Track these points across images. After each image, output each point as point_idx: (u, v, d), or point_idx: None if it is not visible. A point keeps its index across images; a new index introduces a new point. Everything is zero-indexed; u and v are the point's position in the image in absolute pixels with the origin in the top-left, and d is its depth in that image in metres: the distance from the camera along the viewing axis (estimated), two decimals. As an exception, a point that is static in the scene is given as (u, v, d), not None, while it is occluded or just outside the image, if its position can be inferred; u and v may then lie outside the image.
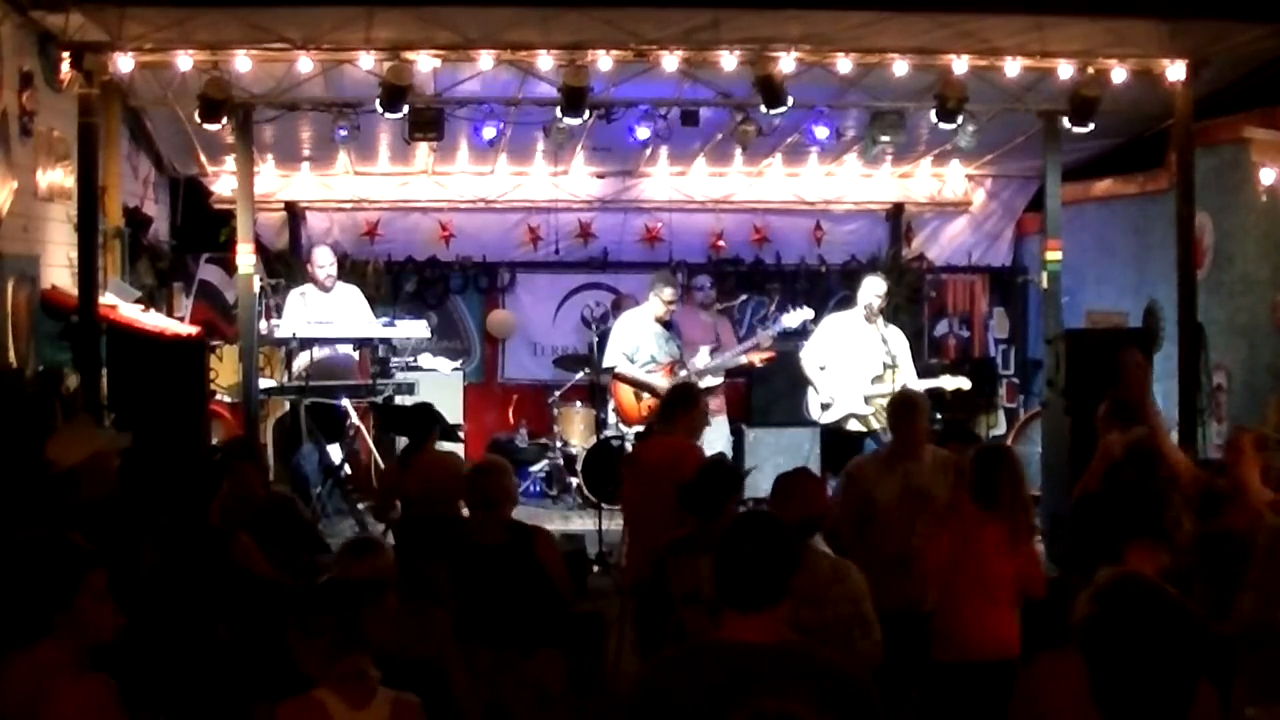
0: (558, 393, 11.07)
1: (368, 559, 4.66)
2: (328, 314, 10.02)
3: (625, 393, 10.20)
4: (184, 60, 8.16)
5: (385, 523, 7.55)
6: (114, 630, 3.46)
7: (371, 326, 10.13)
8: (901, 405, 6.61)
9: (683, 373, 9.97)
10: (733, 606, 3.20)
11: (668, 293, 10.09)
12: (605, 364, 10.28)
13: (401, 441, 9.71)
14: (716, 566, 3.24)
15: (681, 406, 6.83)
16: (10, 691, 3.30)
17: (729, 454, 10.23)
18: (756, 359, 10.13)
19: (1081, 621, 2.60)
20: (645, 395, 10.10)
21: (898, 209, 12.32)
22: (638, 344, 10.10)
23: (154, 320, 8.84)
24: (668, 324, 10.21)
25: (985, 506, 5.36)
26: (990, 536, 5.30)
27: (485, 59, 8.34)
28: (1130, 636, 2.51)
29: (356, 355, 10.21)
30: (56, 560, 3.40)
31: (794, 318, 10.10)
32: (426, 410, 7.55)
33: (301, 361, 9.90)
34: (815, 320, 10.14)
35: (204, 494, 5.88)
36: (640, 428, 10.02)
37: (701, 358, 10.08)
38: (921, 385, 9.51)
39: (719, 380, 10.18)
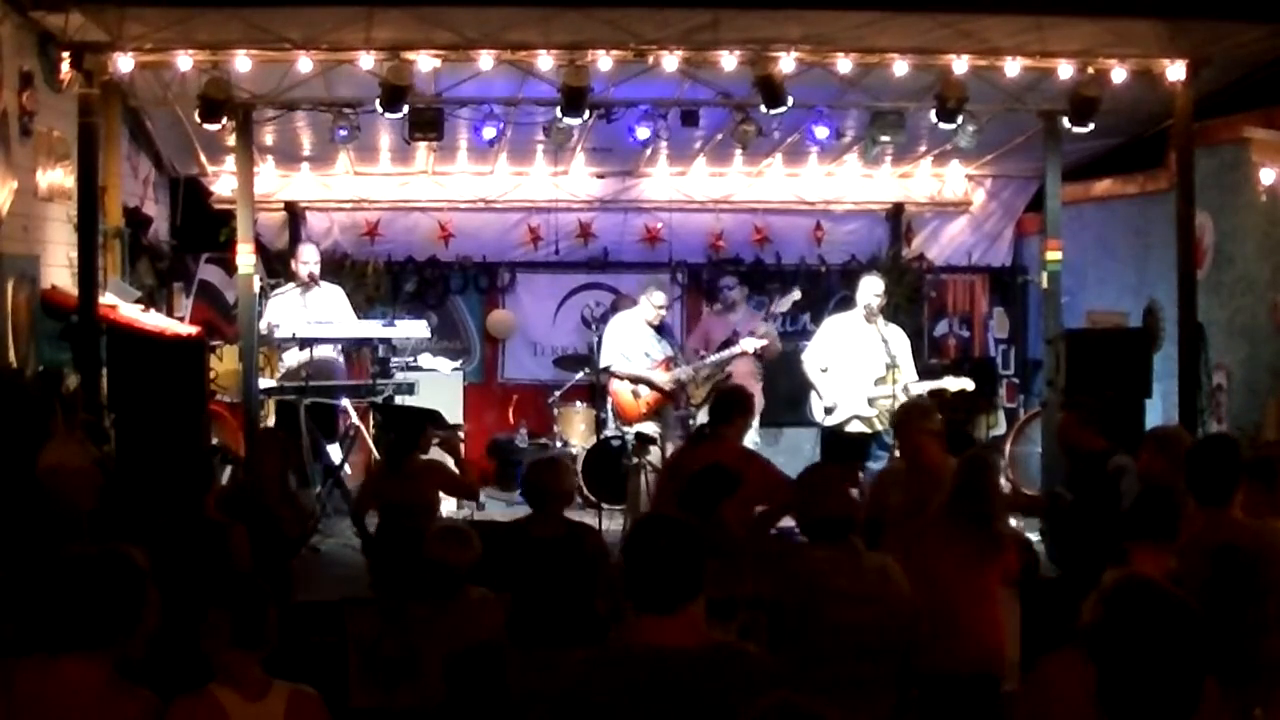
0: (558, 393, 11.05)
1: (464, 548, 4.80)
2: (317, 313, 10.04)
3: (623, 392, 10.21)
4: (184, 60, 8.16)
5: (360, 526, 7.33)
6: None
7: (370, 326, 10.14)
8: (895, 415, 6.58)
9: (677, 370, 10.00)
10: (648, 609, 3.17)
11: (659, 297, 10.16)
12: (601, 365, 10.31)
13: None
14: (627, 571, 3.22)
15: (739, 411, 6.83)
16: (54, 699, 3.32)
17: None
18: (750, 348, 10.09)
19: (1089, 624, 2.58)
20: (644, 393, 10.12)
21: (898, 209, 12.32)
22: (630, 343, 10.13)
23: (154, 320, 8.84)
24: (659, 327, 10.24)
25: (967, 517, 5.33)
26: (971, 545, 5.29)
27: (485, 59, 8.33)
28: (1139, 639, 2.50)
29: (342, 357, 10.25)
30: (129, 576, 3.43)
31: (784, 302, 10.11)
32: (416, 415, 7.53)
33: (292, 360, 9.90)
34: (811, 313, 10.15)
35: (199, 489, 5.91)
36: (640, 426, 10.05)
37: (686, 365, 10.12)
38: (924, 386, 9.54)
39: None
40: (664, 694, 3.09)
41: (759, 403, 10.00)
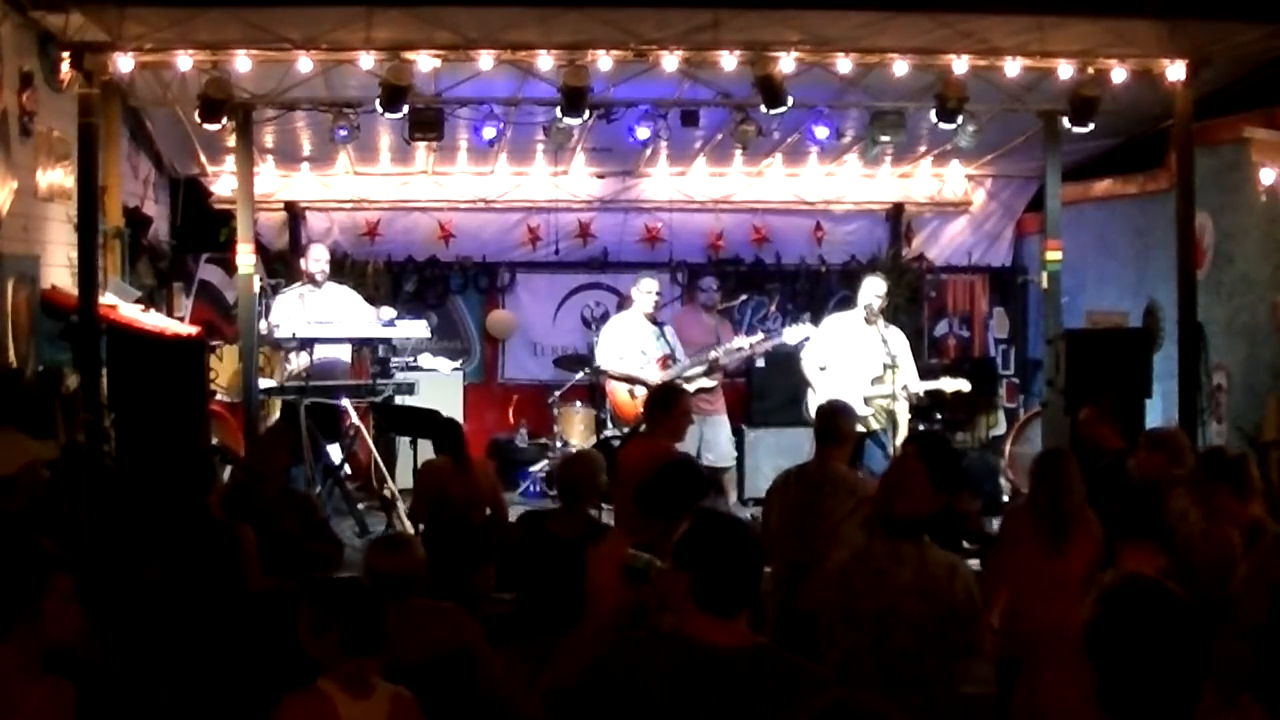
0: (558, 393, 11.06)
1: (400, 555, 4.70)
2: (324, 314, 10.04)
3: (620, 391, 10.21)
4: (184, 60, 8.16)
5: (418, 523, 7.53)
6: (76, 634, 3.49)
7: (372, 326, 10.14)
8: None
9: (670, 369, 10.02)
10: (715, 611, 3.17)
11: (649, 284, 10.18)
12: (594, 364, 10.34)
13: (401, 442, 9.77)
14: (697, 572, 3.19)
15: (661, 409, 6.82)
16: None
17: (734, 453, 10.23)
18: (757, 341, 10.11)
19: (1087, 623, 2.58)
20: (640, 393, 10.12)
21: (898, 209, 12.32)
22: (627, 343, 10.14)
23: (154, 320, 8.84)
24: (658, 322, 10.26)
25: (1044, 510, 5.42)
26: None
27: (485, 59, 8.32)
28: (1138, 638, 2.50)
29: (348, 359, 10.27)
30: (21, 562, 3.44)
31: (794, 334, 10.07)
32: (433, 419, 7.66)
33: (296, 364, 9.89)
34: (811, 313, 10.17)
35: (202, 489, 5.90)
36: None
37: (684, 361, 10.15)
38: (921, 387, 9.54)
39: (714, 381, 10.19)
40: (708, 688, 3.10)
41: (719, 402, 10.16)
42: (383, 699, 3.64)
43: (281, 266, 11.15)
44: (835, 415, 6.56)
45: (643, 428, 7.20)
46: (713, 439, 10.02)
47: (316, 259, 10.31)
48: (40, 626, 3.39)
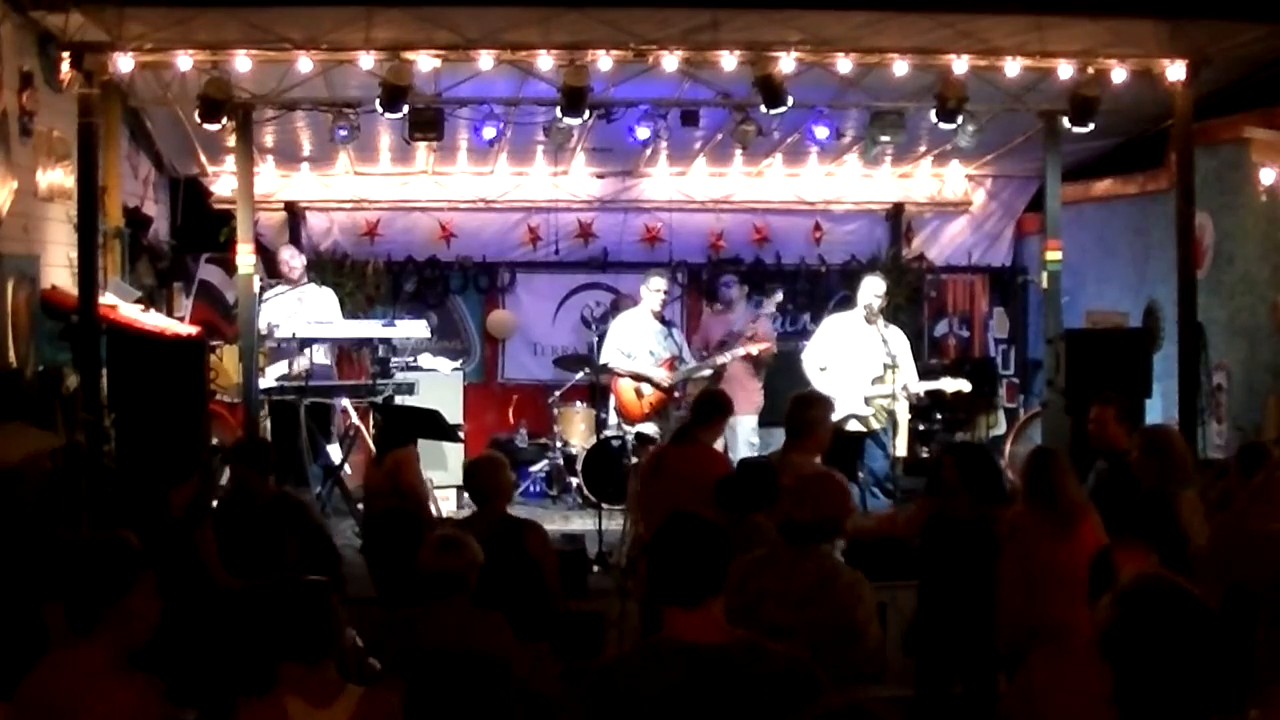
0: (558, 393, 11.06)
1: (453, 555, 4.73)
2: (313, 312, 10.06)
3: (626, 391, 10.21)
4: (184, 60, 8.16)
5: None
6: (152, 631, 3.51)
7: (370, 326, 10.15)
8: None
9: (679, 370, 10.01)
10: (674, 602, 3.23)
11: (657, 282, 10.19)
12: (600, 361, 10.33)
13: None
14: (653, 566, 3.28)
15: (718, 414, 6.81)
16: (54, 689, 3.35)
17: (757, 451, 10.25)
18: (754, 350, 10.11)
19: (1104, 625, 2.57)
20: (647, 392, 10.12)
21: (898, 209, 12.32)
22: (635, 341, 10.13)
23: (154, 320, 8.84)
24: (665, 321, 10.25)
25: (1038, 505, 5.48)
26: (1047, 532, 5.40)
27: (485, 59, 8.32)
28: (1157, 640, 2.49)
29: (333, 363, 10.28)
30: (111, 558, 3.45)
31: (769, 304, 10.19)
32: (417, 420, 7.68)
33: (279, 370, 9.89)
34: (811, 313, 10.20)
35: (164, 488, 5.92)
36: (642, 426, 10.06)
37: (690, 363, 10.13)
38: (922, 387, 9.55)
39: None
40: (699, 689, 3.13)
41: (757, 401, 10.08)
42: (346, 705, 3.50)
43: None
44: (799, 406, 6.52)
45: (686, 430, 7.16)
46: (733, 440, 10.01)
47: (284, 260, 10.35)
48: (124, 624, 3.40)
